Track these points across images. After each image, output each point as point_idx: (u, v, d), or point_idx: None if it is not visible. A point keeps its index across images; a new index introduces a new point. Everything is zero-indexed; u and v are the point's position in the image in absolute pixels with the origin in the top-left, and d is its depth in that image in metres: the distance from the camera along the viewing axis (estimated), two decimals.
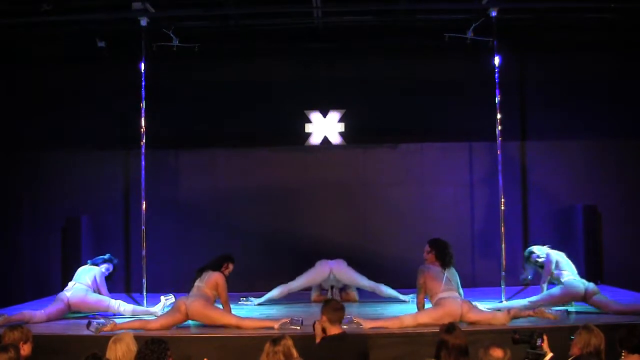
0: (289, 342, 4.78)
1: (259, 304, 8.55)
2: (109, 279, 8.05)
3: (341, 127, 10.03)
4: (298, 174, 10.21)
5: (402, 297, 8.55)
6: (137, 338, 5.01)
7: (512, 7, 8.83)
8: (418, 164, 10.22)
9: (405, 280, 9.57)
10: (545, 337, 4.90)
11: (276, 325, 6.57)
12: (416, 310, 7.02)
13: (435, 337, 4.97)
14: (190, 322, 7.05)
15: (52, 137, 10.10)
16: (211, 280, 7.01)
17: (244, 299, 8.63)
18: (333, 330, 5.47)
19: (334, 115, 10.05)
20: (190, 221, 10.05)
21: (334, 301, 5.80)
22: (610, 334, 4.84)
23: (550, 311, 6.14)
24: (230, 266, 7.30)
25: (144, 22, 8.47)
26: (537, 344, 4.83)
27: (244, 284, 9.54)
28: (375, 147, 10.23)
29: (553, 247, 8.48)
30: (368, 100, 10.01)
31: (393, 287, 8.72)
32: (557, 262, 7.62)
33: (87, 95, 10.01)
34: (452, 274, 7.01)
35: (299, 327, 6.54)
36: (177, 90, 9.98)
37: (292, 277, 8.80)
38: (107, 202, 10.09)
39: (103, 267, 7.93)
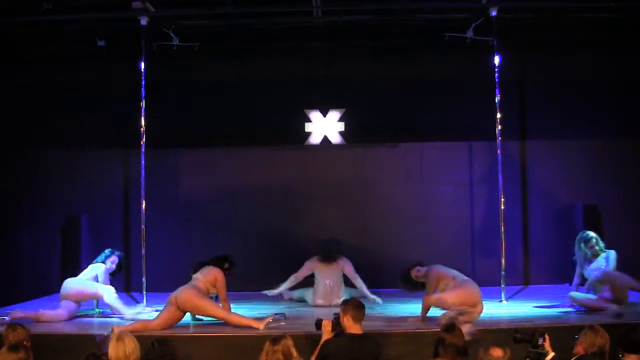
0: (289, 342, 4.77)
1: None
2: (117, 271, 7.99)
3: (341, 126, 10.02)
4: (298, 173, 10.21)
5: (370, 295, 8.36)
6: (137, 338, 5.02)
7: (512, 6, 8.82)
8: (418, 163, 10.22)
9: None
10: (547, 336, 4.90)
11: (261, 327, 6.54)
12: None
13: (435, 337, 4.98)
14: (190, 321, 7.06)
15: (52, 136, 10.10)
16: (211, 275, 7.03)
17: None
18: (354, 329, 5.43)
19: (334, 115, 10.05)
20: (190, 220, 10.06)
21: (355, 299, 5.75)
22: (611, 333, 4.84)
23: None
24: (231, 268, 7.30)
25: (143, 21, 8.47)
26: (539, 343, 4.83)
27: (243, 283, 9.55)
28: (375, 146, 10.22)
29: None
30: (368, 99, 10.01)
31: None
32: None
33: (86, 94, 9.98)
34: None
35: (283, 321, 6.66)
36: (177, 90, 9.97)
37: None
38: (107, 201, 10.08)
39: (108, 263, 7.89)
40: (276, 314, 6.79)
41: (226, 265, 7.22)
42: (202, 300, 6.85)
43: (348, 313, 5.43)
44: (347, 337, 5.40)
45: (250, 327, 6.58)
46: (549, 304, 7.81)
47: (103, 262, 7.87)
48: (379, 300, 8.16)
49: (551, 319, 7.07)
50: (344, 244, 9.12)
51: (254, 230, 9.95)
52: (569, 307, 7.50)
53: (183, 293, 6.83)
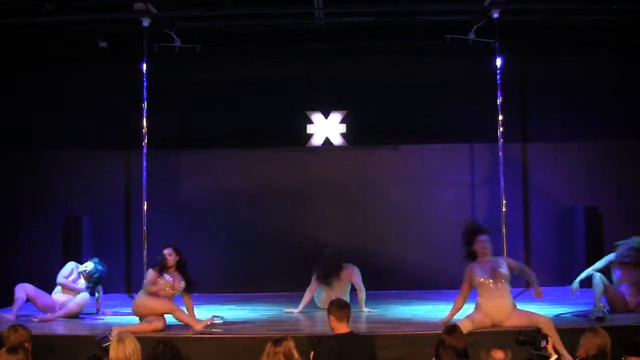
0: (291, 344, 4.76)
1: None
2: (91, 277, 7.92)
3: (343, 128, 10.02)
4: (299, 175, 10.19)
5: (365, 308, 8.04)
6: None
7: (513, 8, 8.82)
8: (419, 165, 10.21)
9: (406, 280, 9.62)
10: (549, 339, 4.90)
11: (198, 327, 6.57)
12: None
13: (436, 339, 4.98)
14: None
15: (53, 137, 10.08)
16: (147, 279, 7.07)
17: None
18: (341, 329, 5.43)
19: (336, 117, 10.05)
20: (191, 221, 10.03)
21: (338, 299, 5.77)
22: (614, 335, 4.83)
23: None
24: (164, 255, 7.15)
25: (145, 22, 8.48)
26: (542, 346, 4.83)
27: (244, 284, 9.56)
28: (376, 148, 10.20)
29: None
30: (370, 101, 10.01)
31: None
32: None
33: (88, 95, 9.98)
34: None
35: (221, 321, 6.72)
36: (179, 91, 9.96)
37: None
38: (108, 202, 10.06)
39: (84, 265, 7.93)
40: (215, 315, 6.79)
41: (162, 261, 7.08)
42: (148, 302, 6.86)
43: (331, 314, 5.46)
44: (336, 338, 5.40)
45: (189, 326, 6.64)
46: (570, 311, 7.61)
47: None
48: (373, 311, 7.99)
49: (553, 320, 7.03)
50: (344, 248, 8.99)
51: (255, 232, 9.94)
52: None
53: (133, 303, 7.00)
